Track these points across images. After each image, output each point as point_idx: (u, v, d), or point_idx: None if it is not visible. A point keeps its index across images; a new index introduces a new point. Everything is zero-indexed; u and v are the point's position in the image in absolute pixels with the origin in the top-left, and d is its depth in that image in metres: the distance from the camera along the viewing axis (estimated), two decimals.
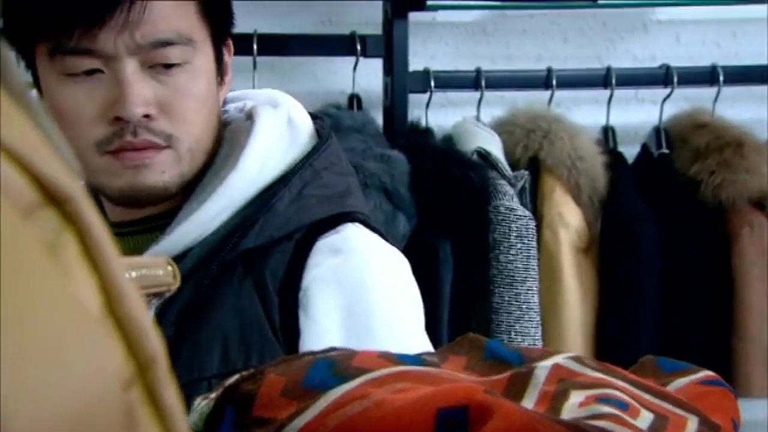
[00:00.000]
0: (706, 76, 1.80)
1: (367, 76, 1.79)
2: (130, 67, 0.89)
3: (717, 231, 1.67)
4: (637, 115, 1.92)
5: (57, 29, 0.88)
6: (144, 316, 0.26)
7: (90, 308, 0.25)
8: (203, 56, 0.94)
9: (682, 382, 0.60)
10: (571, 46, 1.96)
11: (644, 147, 1.81)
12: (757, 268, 1.63)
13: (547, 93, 1.77)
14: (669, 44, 1.97)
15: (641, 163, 1.79)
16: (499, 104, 1.81)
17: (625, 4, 1.91)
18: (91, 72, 0.90)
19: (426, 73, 1.74)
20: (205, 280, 0.91)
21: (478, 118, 1.75)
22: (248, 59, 1.70)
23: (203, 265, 0.91)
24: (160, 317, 0.90)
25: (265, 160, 0.94)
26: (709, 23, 1.96)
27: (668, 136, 1.77)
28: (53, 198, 0.26)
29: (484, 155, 1.63)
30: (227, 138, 0.98)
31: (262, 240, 0.91)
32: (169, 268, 0.42)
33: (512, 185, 1.61)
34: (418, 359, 0.53)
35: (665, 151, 1.76)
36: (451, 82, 1.77)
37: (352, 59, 1.72)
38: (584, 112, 1.88)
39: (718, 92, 1.78)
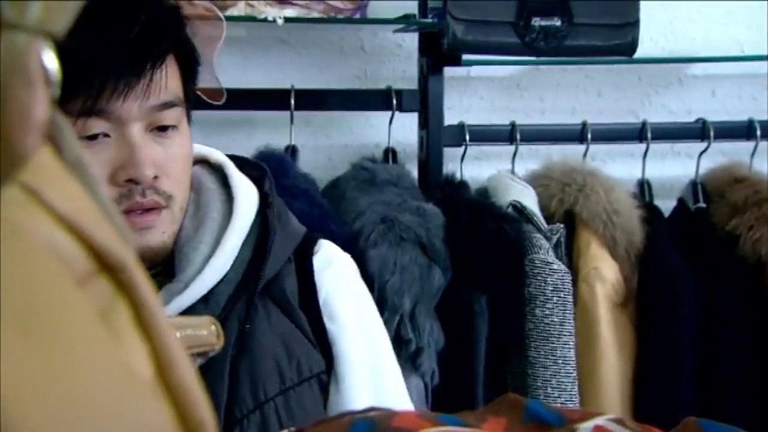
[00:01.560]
0: (743, 131, 1.79)
1: (403, 130, 1.80)
2: (137, 131, 0.94)
3: (756, 286, 1.65)
4: (673, 168, 1.92)
5: (85, 94, 0.90)
6: (194, 382, 0.27)
7: (142, 375, 0.26)
8: (185, 117, 1.00)
9: None
10: (605, 100, 1.97)
11: (681, 201, 1.80)
12: None
13: (582, 147, 1.77)
14: (705, 98, 1.96)
15: (678, 217, 1.77)
16: (533, 158, 1.81)
17: (661, 59, 1.92)
18: (94, 137, 0.93)
19: (461, 127, 1.75)
20: (248, 313, 0.99)
21: (512, 172, 1.76)
22: (285, 114, 1.73)
23: (234, 299, 1.00)
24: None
25: (248, 206, 1.04)
26: (745, 78, 1.96)
27: (705, 190, 1.76)
28: (107, 266, 0.27)
29: (520, 208, 1.63)
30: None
31: (275, 269, 1.02)
32: (213, 327, 0.43)
33: (548, 239, 1.60)
34: (458, 420, 0.53)
35: (702, 205, 1.75)
36: (485, 135, 1.78)
37: (387, 113, 1.74)
38: (619, 166, 1.87)
39: (756, 146, 1.77)
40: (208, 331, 0.42)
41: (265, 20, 1.70)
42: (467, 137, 1.73)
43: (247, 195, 1.05)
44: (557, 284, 1.56)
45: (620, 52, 1.73)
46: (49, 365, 0.24)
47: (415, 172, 1.75)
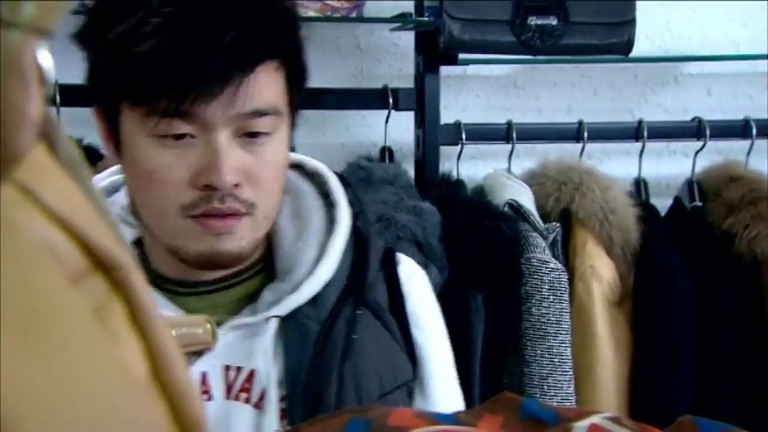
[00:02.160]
0: (739, 129, 1.79)
1: (399, 129, 1.80)
2: (224, 137, 0.90)
3: (752, 285, 1.65)
4: (669, 167, 1.92)
5: (170, 95, 0.88)
6: (189, 382, 0.27)
7: (136, 373, 0.26)
8: (285, 126, 0.96)
9: None
10: (601, 99, 1.97)
11: (677, 199, 1.80)
12: None
13: (578, 145, 1.77)
14: (701, 97, 1.97)
15: (674, 216, 1.78)
16: (530, 156, 1.82)
17: (657, 58, 1.92)
18: (181, 136, 0.90)
19: (457, 126, 1.75)
20: (355, 318, 1.00)
21: (509, 170, 1.76)
22: None
23: (341, 304, 1.00)
24: (322, 352, 0.96)
25: (348, 214, 1.05)
26: (741, 76, 1.96)
27: (701, 189, 1.77)
28: (102, 264, 0.27)
29: (516, 207, 1.63)
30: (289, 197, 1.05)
31: (372, 278, 1.04)
32: (208, 326, 0.43)
33: (544, 237, 1.61)
34: (454, 418, 0.53)
35: (698, 203, 1.75)
36: (482, 134, 1.78)
37: (384, 112, 1.74)
38: (616, 165, 1.88)
39: (752, 145, 1.78)
40: (203, 329, 0.42)
41: None
42: (464, 136, 1.74)
43: (343, 202, 1.05)
44: (554, 283, 1.56)
45: (616, 50, 1.74)
46: (44, 364, 0.24)
47: (411, 171, 1.75)
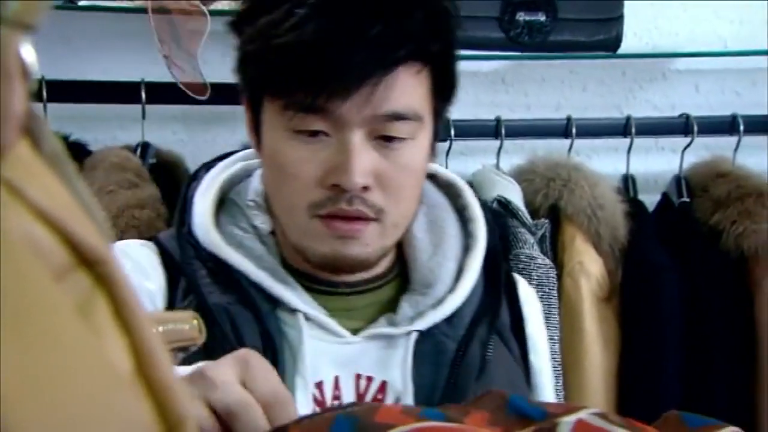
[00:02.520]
0: (726, 126, 1.80)
1: None
2: (358, 137, 0.88)
3: (739, 280, 1.65)
4: (657, 163, 1.93)
5: (306, 89, 0.86)
6: (173, 377, 0.27)
7: (120, 369, 0.26)
8: (425, 132, 0.93)
9: None
10: (590, 95, 1.97)
11: (665, 196, 1.81)
12: None
13: (567, 141, 1.77)
14: (689, 93, 1.97)
15: (662, 212, 1.78)
16: (518, 153, 1.82)
17: (645, 55, 1.93)
18: (315, 133, 0.88)
19: (446, 122, 1.75)
20: (489, 339, 0.97)
21: (497, 167, 1.76)
22: None
23: (476, 323, 0.97)
24: (458, 372, 0.94)
25: (484, 230, 1.03)
26: (729, 72, 1.97)
27: (689, 185, 1.77)
28: (85, 260, 0.27)
29: (505, 203, 1.63)
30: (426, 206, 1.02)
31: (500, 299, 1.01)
32: (195, 322, 0.42)
33: (532, 234, 1.61)
34: (441, 414, 0.53)
35: (686, 199, 1.76)
36: (470, 130, 1.78)
37: None
38: (604, 161, 1.88)
39: (739, 141, 1.78)
40: (189, 325, 0.42)
41: None
42: (452, 132, 1.74)
43: (481, 217, 1.03)
44: (542, 279, 1.56)
45: (604, 47, 1.74)
46: (27, 360, 0.24)
47: None
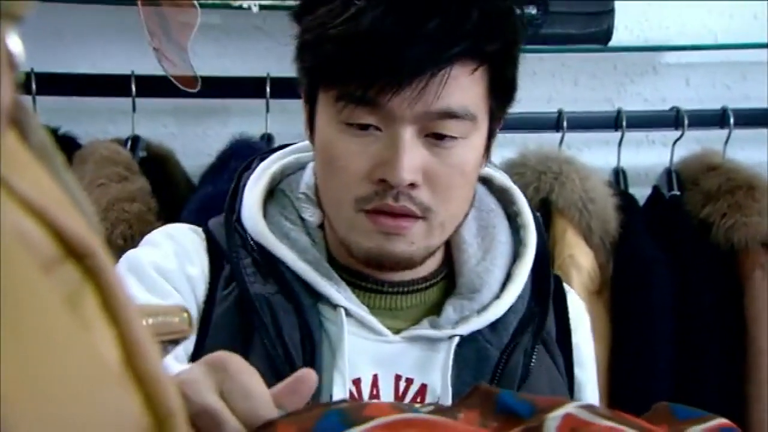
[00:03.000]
0: (717, 119, 1.80)
1: None
2: (408, 133, 0.86)
3: (729, 273, 1.66)
4: (648, 156, 1.93)
5: (358, 80, 0.85)
6: (161, 369, 0.27)
7: (109, 361, 0.26)
8: (479, 133, 0.91)
9: (696, 429, 0.60)
10: (581, 89, 1.97)
11: (655, 189, 1.81)
12: None
13: (558, 135, 1.77)
14: (679, 87, 1.98)
15: (653, 205, 1.79)
16: (509, 146, 1.82)
17: (636, 48, 1.93)
18: (366, 126, 0.88)
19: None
20: (534, 348, 0.96)
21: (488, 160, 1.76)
22: (261, 102, 1.72)
23: (520, 331, 0.96)
24: (500, 380, 0.93)
25: (534, 238, 1.02)
26: (719, 66, 1.97)
27: (679, 178, 1.78)
28: (73, 252, 0.27)
29: None
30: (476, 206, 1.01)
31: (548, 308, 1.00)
32: (185, 315, 0.42)
33: None
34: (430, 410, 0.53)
35: (676, 193, 1.76)
36: None
37: None
38: (595, 154, 1.88)
39: (729, 134, 1.79)
40: (179, 318, 0.42)
41: (240, 8, 1.70)
42: None
43: (532, 224, 1.02)
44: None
45: (595, 40, 1.74)
46: (16, 352, 0.24)
47: None
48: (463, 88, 0.87)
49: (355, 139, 0.88)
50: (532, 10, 1.67)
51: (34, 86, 1.64)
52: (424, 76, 0.84)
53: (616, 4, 1.74)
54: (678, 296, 1.64)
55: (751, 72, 1.97)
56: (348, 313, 0.93)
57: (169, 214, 1.62)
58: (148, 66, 1.63)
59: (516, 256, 1.00)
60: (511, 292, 0.97)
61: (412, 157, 0.87)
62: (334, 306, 0.94)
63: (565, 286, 1.07)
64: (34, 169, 0.27)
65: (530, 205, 1.06)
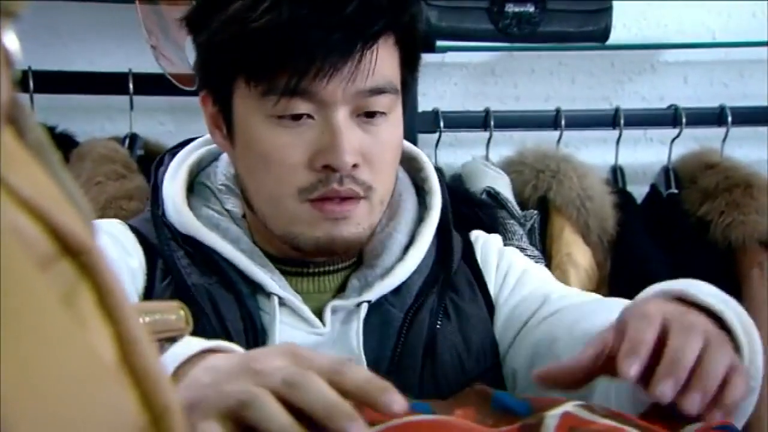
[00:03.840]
0: (714, 117, 1.80)
1: None
2: (342, 115, 0.88)
3: (727, 271, 1.66)
4: (646, 154, 1.93)
5: (290, 71, 0.85)
6: (158, 367, 0.26)
7: (105, 358, 0.26)
8: (399, 106, 0.94)
9: (694, 427, 0.60)
10: (579, 87, 1.97)
11: (653, 187, 1.81)
12: (767, 308, 1.62)
13: (556, 133, 1.77)
14: (677, 85, 1.98)
15: (650, 203, 1.79)
16: (507, 144, 1.82)
17: (634, 46, 1.93)
18: (298, 116, 0.88)
19: (435, 114, 1.75)
20: (440, 307, 0.97)
21: (487, 158, 1.76)
22: None
23: (425, 292, 0.98)
24: (405, 341, 0.94)
25: (439, 201, 1.04)
26: (717, 64, 1.97)
27: (677, 176, 1.78)
28: (69, 249, 0.27)
29: (494, 195, 1.63)
30: None
31: (455, 267, 1.01)
32: (182, 312, 0.42)
33: (521, 225, 1.61)
34: (429, 408, 0.53)
35: (674, 191, 1.76)
36: (460, 122, 1.78)
37: None
38: (593, 152, 1.88)
39: (727, 132, 1.79)
40: (176, 315, 0.42)
41: None
42: (441, 124, 1.73)
43: (438, 189, 1.04)
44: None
45: (593, 38, 1.74)
46: (13, 350, 0.24)
47: None
48: (387, 62, 0.89)
49: (288, 130, 0.89)
50: (530, 8, 1.67)
51: (31, 84, 1.63)
52: (354, 57, 0.86)
53: (614, 3, 1.74)
54: None
55: (749, 70, 1.97)
56: (282, 303, 0.94)
57: None
58: (146, 64, 1.63)
59: (421, 220, 1.02)
60: (414, 253, 0.98)
61: (351, 138, 0.88)
62: (268, 294, 0.94)
63: (474, 233, 1.08)
64: (31, 167, 0.27)
65: (440, 171, 1.09)
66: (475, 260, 1.05)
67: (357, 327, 0.94)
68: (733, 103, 1.82)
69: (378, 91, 0.89)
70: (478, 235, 1.09)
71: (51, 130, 1.68)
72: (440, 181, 1.06)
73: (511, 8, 1.66)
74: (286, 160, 0.89)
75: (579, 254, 1.64)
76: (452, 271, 1.00)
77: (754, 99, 1.91)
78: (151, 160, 1.73)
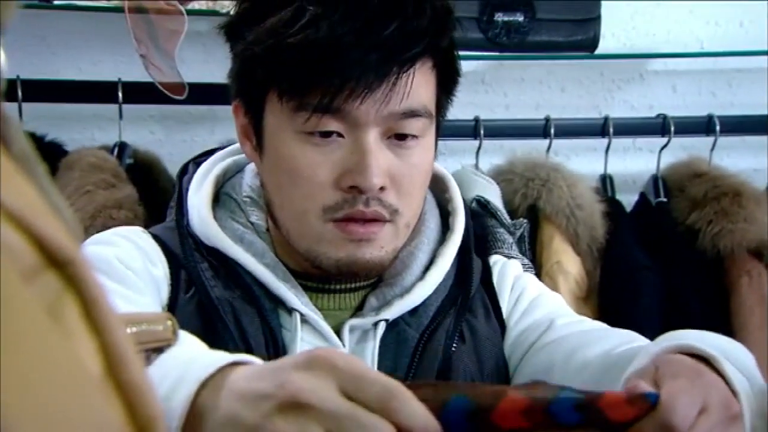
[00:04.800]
0: (703, 126, 1.81)
1: None
2: (372, 136, 0.87)
3: (716, 280, 1.67)
4: (635, 163, 1.94)
5: (323, 89, 0.84)
6: (144, 378, 0.26)
7: (91, 370, 0.26)
8: (432, 130, 0.93)
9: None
10: (568, 96, 1.98)
11: (642, 195, 1.82)
12: (756, 316, 1.62)
13: (546, 142, 1.78)
14: (666, 94, 1.99)
15: (640, 212, 1.79)
16: (497, 152, 1.82)
17: (622, 55, 1.94)
18: (328, 134, 0.87)
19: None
20: (455, 329, 0.96)
21: (476, 167, 1.76)
22: None
23: (442, 313, 0.97)
24: (420, 362, 0.93)
25: (463, 222, 1.03)
26: (705, 73, 1.98)
27: (666, 185, 1.78)
28: (55, 261, 0.27)
29: (483, 203, 1.63)
30: None
31: (474, 289, 1.01)
32: (169, 323, 0.42)
33: (511, 233, 1.61)
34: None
35: (663, 199, 1.77)
36: (449, 130, 1.78)
37: None
38: (582, 161, 1.89)
39: (715, 141, 1.79)
40: (163, 326, 0.41)
41: (227, 14, 1.69)
42: None
43: (462, 211, 1.03)
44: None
45: (582, 47, 1.75)
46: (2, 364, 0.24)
47: None
48: (422, 86, 0.88)
49: (317, 148, 0.88)
50: (519, 18, 1.67)
51: (20, 93, 1.63)
52: (390, 79, 0.84)
53: (603, 12, 1.75)
54: (665, 302, 1.64)
55: (737, 79, 1.98)
56: (303, 319, 0.93)
57: (155, 221, 1.61)
58: (135, 73, 1.63)
59: (443, 241, 1.02)
60: (435, 273, 0.97)
61: (380, 160, 0.87)
62: (290, 310, 0.93)
63: (492, 259, 1.08)
64: (15, 178, 0.27)
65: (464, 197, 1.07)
66: (491, 283, 1.04)
67: (373, 346, 0.93)
68: (722, 112, 1.83)
69: (411, 114, 0.88)
70: (497, 260, 1.09)
71: (40, 139, 1.67)
72: (465, 205, 1.06)
73: (500, 17, 1.66)
74: (314, 177, 0.88)
75: (569, 263, 1.64)
76: (471, 294, 1.00)
77: (742, 108, 1.92)
78: (140, 169, 1.74)
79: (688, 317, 1.64)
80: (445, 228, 1.03)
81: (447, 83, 0.94)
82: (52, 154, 1.62)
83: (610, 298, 1.66)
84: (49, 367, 0.25)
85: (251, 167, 1.01)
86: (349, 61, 0.83)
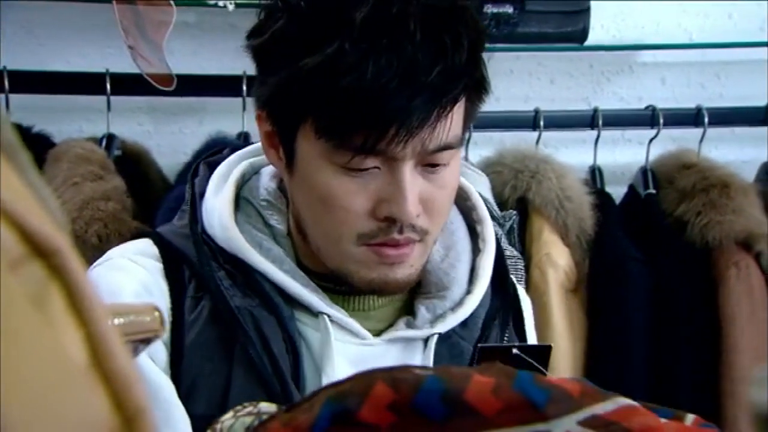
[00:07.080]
0: (691, 118, 1.82)
1: None
2: (408, 168, 0.87)
3: (704, 271, 1.67)
4: (624, 155, 1.94)
5: (365, 133, 0.84)
6: (130, 368, 0.26)
7: (76, 360, 0.26)
8: (459, 153, 0.94)
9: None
10: (557, 88, 1.98)
11: (631, 187, 1.82)
12: (743, 308, 1.63)
13: (535, 133, 1.78)
14: (655, 86, 1.99)
15: (628, 204, 1.80)
16: (487, 144, 1.82)
17: (612, 47, 1.94)
18: (365, 168, 0.87)
19: None
20: (501, 340, 0.99)
21: (466, 158, 1.76)
22: (237, 100, 1.72)
23: (489, 324, 0.99)
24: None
25: (493, 233, 1.04)
26: (694, 65, 1.99)
27: (655, 177, 1.79)
28: (39, 251, 0.26)
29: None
30: None
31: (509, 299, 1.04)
32: (156, 314, 0.42)
33: (501, 225, 1.61)
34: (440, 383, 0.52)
35: (652, 191, 1.77)
36: None
37: None
38: (571, 153, 1.89)
39: (704, 133, 1.80)
40: (150, 317, 0.41)
41: (215, 5, 1.69)
42: None
43: (489, 219, 1.04)
44: (510, 270, 1.57)
45: (572, 39, 1.75)
46: None
47: None
48: (456, 120, 0.88)
49: (353, 179, 0.88)
50: (509, 9, 1.67)
51: (7, 84, 1.62)
52: (432, 122, 0.85)
53: (592, 4, 1.75)
54: (653, 294, 1.65)
55: (725, 71, 1.99)
56: (331, 320, 0.94)
57: (144, 213, 1.61)
58: (123, 64, 1.62)
59: (475, 251, 1.03)
60: (481, 285, 0.99)
61: (415, 190, 0.88)
62: (315, 314, 0.94)
63: (512, 278, 1.10)
64: (1, 168, 0.27)
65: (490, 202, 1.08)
66: (518, 296, 1.07)
67: (424, 359, 0.95)
68: (710, 103, 1.84)
69: (445, 148, 0.88)
70: (514, 282, 1.11)
71: (27, 130, 1.66)
72: (489, 213, 1.07)
73: (489, 9, 1.66)
74: (350, 207, 0.88)
75: (558, 254, 1.65)
76: (510, 303, 1.02)
77: (731, 100, 1.93)
78: (128, 161, 1.73)
79: (675, 309, 1.65)
80: (472, 235, 1.04)
81: (472, 110, 0.93)
82: (39, 145, 1.62)
83: (599, 290, 1.66)
84: (33, 356, 0.25)
85: (267, 170, 1.01)
86: (393, 106, 0.83)
